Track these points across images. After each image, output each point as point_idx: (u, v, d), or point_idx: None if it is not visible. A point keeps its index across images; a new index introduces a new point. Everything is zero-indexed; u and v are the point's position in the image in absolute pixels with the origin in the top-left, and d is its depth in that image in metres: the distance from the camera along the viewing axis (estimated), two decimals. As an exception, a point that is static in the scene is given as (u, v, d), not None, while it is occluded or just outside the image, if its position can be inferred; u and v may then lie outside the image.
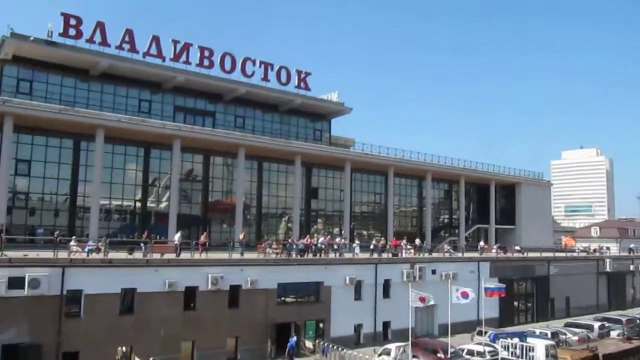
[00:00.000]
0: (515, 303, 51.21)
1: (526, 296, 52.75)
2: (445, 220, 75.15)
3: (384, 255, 42.71)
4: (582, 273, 58.02)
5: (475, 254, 51.01)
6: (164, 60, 49.94)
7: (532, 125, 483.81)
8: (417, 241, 50.09)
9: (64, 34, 44.87)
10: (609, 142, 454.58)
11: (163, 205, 48.81)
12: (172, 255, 32.06)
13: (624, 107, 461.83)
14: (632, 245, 75.25)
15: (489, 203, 72.45)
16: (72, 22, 45.29)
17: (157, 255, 31.22)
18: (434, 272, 42.42)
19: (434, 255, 48.78)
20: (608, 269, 60.69)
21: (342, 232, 55.99)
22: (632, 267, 63.72)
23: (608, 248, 76.29)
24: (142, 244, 32.60)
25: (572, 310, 54.21)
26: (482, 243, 56.76)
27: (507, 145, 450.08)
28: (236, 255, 34.71)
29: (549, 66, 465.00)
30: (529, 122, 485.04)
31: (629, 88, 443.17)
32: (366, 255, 42.12)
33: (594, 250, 69.68)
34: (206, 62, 52.34)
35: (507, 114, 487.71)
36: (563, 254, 64.49)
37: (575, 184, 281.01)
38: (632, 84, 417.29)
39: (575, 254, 66.11)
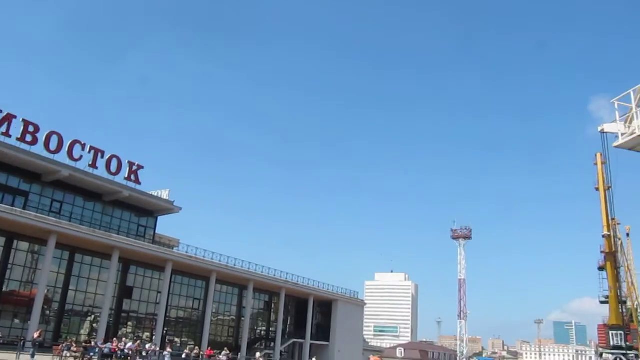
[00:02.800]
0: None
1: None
2: (263, 333, 74.00)
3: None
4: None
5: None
6: (-23, 128, 45.13)
7: (350, 246, 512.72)
8: (224, 353, 47.08)
9: None
10: (415, 268, 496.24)
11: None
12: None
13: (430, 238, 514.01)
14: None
15: (307, 318, 73.33)
16: None
17: None
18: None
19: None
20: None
21: (154, 337, 52.07)
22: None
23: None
24: None
25: None
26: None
27: (329, 260, 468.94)
28: (25, 357, 30.36)
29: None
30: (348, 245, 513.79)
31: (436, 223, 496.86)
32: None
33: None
34: (29, 138, 48.20)
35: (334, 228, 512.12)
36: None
37: (385, 305, 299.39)
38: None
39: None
